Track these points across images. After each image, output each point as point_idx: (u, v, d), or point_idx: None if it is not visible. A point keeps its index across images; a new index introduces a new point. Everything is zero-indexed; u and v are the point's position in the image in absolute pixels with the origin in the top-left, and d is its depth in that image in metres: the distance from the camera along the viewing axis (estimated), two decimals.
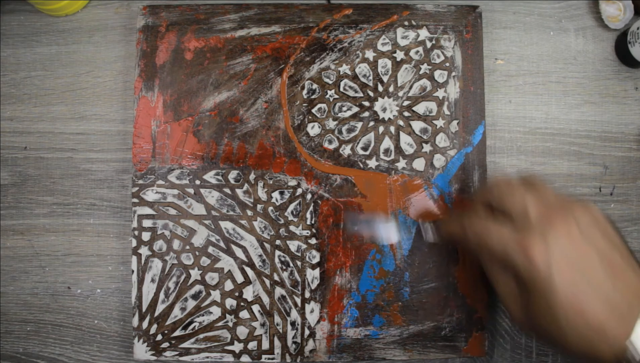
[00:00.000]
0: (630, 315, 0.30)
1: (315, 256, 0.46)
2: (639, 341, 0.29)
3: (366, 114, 0.47)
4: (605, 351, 0.30)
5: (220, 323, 0.45)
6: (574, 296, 0.30)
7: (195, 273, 0.45)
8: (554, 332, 0.31)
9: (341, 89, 0.47)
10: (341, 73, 0.47)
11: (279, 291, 0.45)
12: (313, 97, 0.47)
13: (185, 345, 0.44)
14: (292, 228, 0.46)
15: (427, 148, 0.47)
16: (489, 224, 0.34)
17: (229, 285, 0.45)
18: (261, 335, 0.45)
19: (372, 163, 0.46)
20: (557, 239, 0.31)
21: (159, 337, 0.45)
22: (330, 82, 0.47)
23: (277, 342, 0.45)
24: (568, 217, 0.31)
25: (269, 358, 0.45)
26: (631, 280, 0.31)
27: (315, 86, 0.47)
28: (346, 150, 0.46)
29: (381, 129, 0.47)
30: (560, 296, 0.30)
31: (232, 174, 0.46)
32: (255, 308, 0.45)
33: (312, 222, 0.46)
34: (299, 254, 0.45)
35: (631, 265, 0.32)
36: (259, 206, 0.46)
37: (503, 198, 0.34)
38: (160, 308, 0.45)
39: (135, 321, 0.45)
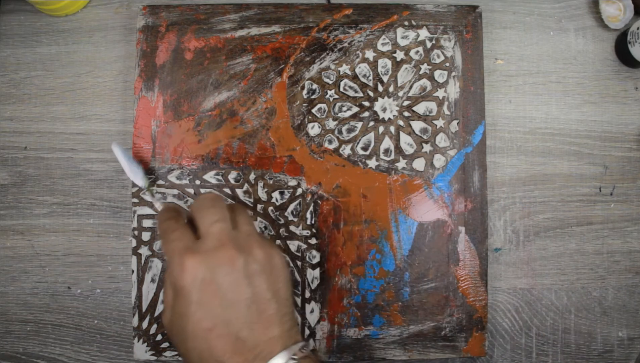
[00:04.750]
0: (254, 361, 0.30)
1: (315, 256, 0.46)
2: None
3: (366, 114, 0.47)
4: None
5: None
6: (203, 322, 0.30)
7: None
8: (181, 344, 0.31)
9: (341, 89, 0.47)
10: (341, 73, 0.47)
11: None
12: (313, 97, 0.47)
13: None
14: (292, 228, 0.46)
15: (427, 148, 0.47)
16: (177, 229, 0.33)
17: None
18: None
19: (372, 163, 0.46)
20: (215, 267, 0.30)
21: (159, 337, 0.45)
22: (330, 82, 0.47)
23: None
24: (239, 252, 0.31)
25: None
26: (273, 330, 0.31)
27: (315, 86, 0.47)
28: (346, 150, 0.46)
29: (381, 129, 0.47)
30: (190, 314, 0.30)
31: (232, 174, 0.46)
32: None
33: (312, 222, 0.46)
34: (299, 254, 0.45)
35: (282, 316, 0.32)
36: (259, 206, 0.46)
37: (199, 212, 0.33)
38: (160, 308, 0.45)
39: (135, 321, 0.45)
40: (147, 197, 0.45)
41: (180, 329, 0.31)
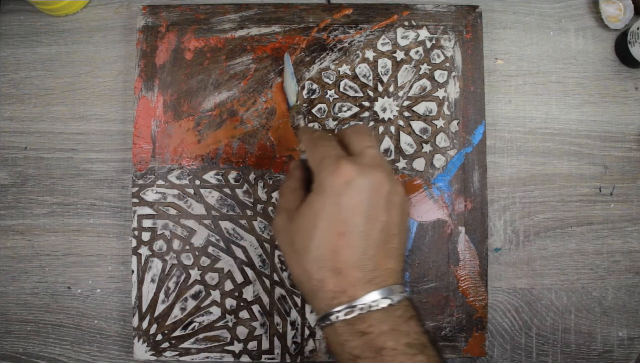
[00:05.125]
0: (363, 287, 0.30)
1: None
2: (347, 308, 0.30)
3: (366, 114, 0.47)
4: (320, 293, 0.31)
5: (220, 323, 0.45)
6: (338, 225, 0.30)
7: (195, 273, 0.45)
8: (300, 242, 0.31)
9: (341, 89, 0.47)
10: (341, 73, 0.47)
11: (278, 291, 0.45)
12: (313, 97, 0.47)
13: (185, 345, 0.44)
14: None
15: (427, 148, 0.47)
16: (330, 140, 0.34)
17: (228, 285, 0.45)
18: (261, 335, 0.45)
19: None
20: (368, 182, 0.31)
21: (159, 337, 0.45)
22: (330, 82, 0.47)
23: (277, 342, 0.45)
24: (389, 179, 0.32)
25: (269, 358, 0.45)
26: (390, 263, 0.32)
27: (315, 86, 0.47)
28: None
29: (381, 129, 0.47)
30: (327, 214, 0.31)
31: (232, 174, 0.46)
32: (255, 308, 0.45)
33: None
34: None
35: (399, 255, 0.33)
36: (258, 206, 0.46)
37: (355, 134, 0.34)
38: (160, 308, 0.45)
39: (135, 321, 0.45)
40: (292, 115, 0.45)
41: (309, 225, 0.31)
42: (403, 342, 0.29)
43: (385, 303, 0.30)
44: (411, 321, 0.31)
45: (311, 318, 0.45)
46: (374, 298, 0.30)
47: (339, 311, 0.30)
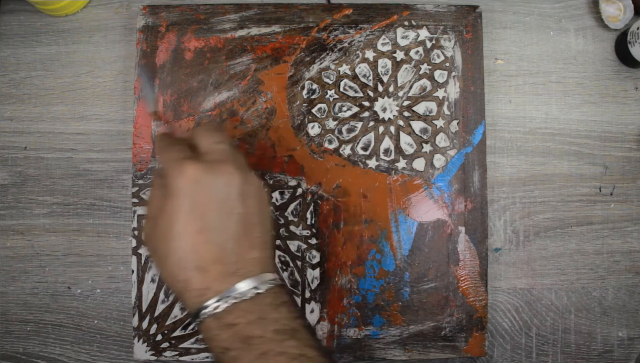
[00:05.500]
0: (227, 280, 0.30)
1: (315, 256, 0.46)
2: (214, 303, 0.30)
3: (366, 114, 0.47)
4: (186, 294, 0.31)
5: None
6: (194, 224, 0.31)
7: None
8: (161, 247, 0.31)
9: (341, 89, 0.47)
10: (341, 73, 0.47)
11: None
12: (313, 97, 0.47)
13: (185, 345, 0.44)
14: (292, 228, 0.46)
15: (427, 148, 0.47)
16: (177, 144, 0.34)
17: None
18: None
19: (372, 163, 0.46)
20: (216, 177, 0.31)
21: (159, 337, 0.45)
22: (330, 82, 0.47)
23: None
24: (240, 170, 0.32)
25: None
26: (254, 253, 0.32)
27: (315, 86, 0.47)
28: (346, 150, 0.46)
29: (381, 129, 0.47)
30: (182, 215, 0.31)
31: None
32: None
33: (312, 222, 0.46)
34: (299, 254, 0.45)
35: (263, 243, 0.33)
36: None
37: (202, 133, 0.34)
38: (160, 308, 0.45)
39: (135, 321, 0.45)
40: (152, 122, 0.45)
41: (166, 230, 0.31)
42: (271, 329, 0.30)
43: (252, 293, 0.30)
44: (281, 307, 0.31)
45: (311, 318, 0.45)
46: (239, 290, 0.30)
47: (206, 307, 0.30)
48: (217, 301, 0.30)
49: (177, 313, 0.45)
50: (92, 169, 0.48)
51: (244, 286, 0.30)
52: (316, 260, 0.45)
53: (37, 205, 0.48)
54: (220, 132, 0.34)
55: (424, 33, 0.47)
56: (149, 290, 0.45)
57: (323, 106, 0.47)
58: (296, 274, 0.45)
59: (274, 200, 0.46)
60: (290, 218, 0.46)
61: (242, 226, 0.32)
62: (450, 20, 0.48)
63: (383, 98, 0.47)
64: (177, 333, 0.45)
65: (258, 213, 0.33)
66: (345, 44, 0.47)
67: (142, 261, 0.45)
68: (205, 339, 0.31)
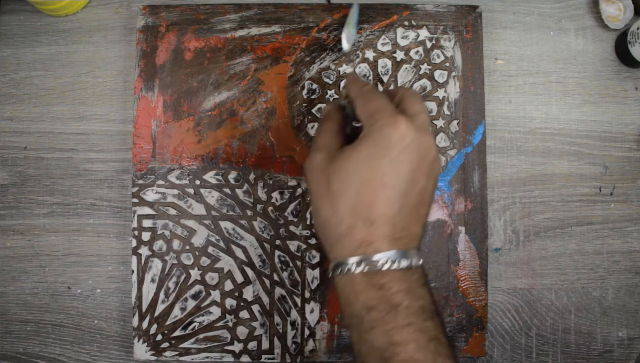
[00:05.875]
0: (390, 243, 0.30)
1: (315, 256, 0.46)
2: (374, 260, 0.30)
3: None
4: (346, 239, 0.31)
5: (220, 323, 0.45)
6: (383, 177, 0.31)
7: (195, 273, 0.45)
8: (338, 184, 0.31)
9: (341, 89, 0.47)
10: (341, 73, 0.47)
11: (278, 291, 0.45)
12: (313, 97, 0.47)
13: (185, 345, 0.44)
14: (292, 228, 0.46)
15: None
16: (382, 96, 0.34)
17: (229, 285, 0.45)
18: (261, 335, 0.45)
19: None
20: (420, 144, 0.31)
21: (159, 337, 0.45)
22: (330, 82, 0.47)
23: (277, 342, 0.45)
24: (436, 148, 0.32)
25: (269, 358, 0.45)
26: (417, 228, 0.32)
27: (315, 86, 0.47)
28: None
29: None
30: (375, 163, 0.30)
31: (232, 174, 0.46)
32: (255, 308, 0.45)
33: (312, 222, 0.46)
34: (299, 254, 0.45)
35: (425, 223, 0.33)
36: (258, 206, 0.46)
37: (411, 96, 0.34)
38: (160, 308, 0.45)
39: (135, 321, 0.45)
40: (345, 58, 0.46)
41: (352, 170, 0.31)
42: (418, 304, 0.30)
43: (405, 263, 0.30)
44: (425, 287, 0.31)
45: (311, 318, 0.45)
46: (397, 257, 0.30)
47: (361, 262, 0.30)
48: (374, 260, 0.30)
49: (177, 313, 0.45)
50: (92, 169, 0.48)
51: (400, 255, 0.30)
52: (316, 260, 0.45)
53: (37, 205, 0.48)
54: (424, 103, 0.34)
55: (424, 33, 0.47)
56: (149, 290, 0.45)
57: (323, 106, 0.47)
58: (296, 274, 0.45)
59: (273, 200, 0.46)
60: (290, 218, 0.46)
61: (419, 198, 0.32)
62: (450, 20, 0.48)
63: None
64: (177, 333, 0.45)
65: (432, 193, 0.33)
66: None
67: (142, 261, 0.45)
68: (344, 292, 0.31)
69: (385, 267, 0.30)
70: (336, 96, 0.47)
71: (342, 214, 0.31)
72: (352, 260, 0.30)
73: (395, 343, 0.29)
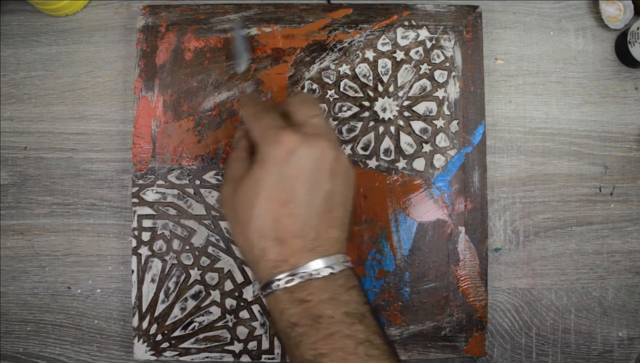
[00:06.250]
0: (305, 255, 0.30)
1: None
2: (288, 277, 0.30)
3: (366, 114, 0.47)
4: (261, 262, 0.31)
5: (220, 323, 0.45)
6: (280, 194, 0.30)
7: (195, 273, 0.45)
8: (242, 212, 0.31)
9: (341, 89, 0.47)
10: (341, 73, 0.47)
11: None
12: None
13: (185, 345, 0.44)
14: None
15: (427, 148, 0.47)
16: (271, 112, 0.34)
17: (228, 285, 0.45)
18: (261, 335, 0.45)
19: (372, 163, 0.46)
20: (311, 151, 0.31)
21: (159, 337, 0.45)
22: (330, 82, 0.47)
23: (277, 342, 0.45)
24: (333, 148, 0.32)
25: (269, 358, 0.45)
26: (334, 232, 0.32)
27: (315, 86, 0.47)
28: (346, 150, 0.46)
29: (381, 129, 0.47)
30: (270, 184, 0.30)
31: None
32: (255, 308, 0.45)
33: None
34: None
35: (343, 224, 0.33)
36: None
37: (299, 104, 0.34)
38: (160, 308, 0.45)
39: (135, 321, 0.45)
40: (241, 81, 0.45)
41: (251, 196, 0.31)
42: (341, 311, 0.30)
43: (326, 272, 0.30)
44: (352, 291, 0.31)
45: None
46: (315, 267, 0.30)
47: (279, 279, 0.30)
48: (292, 275, 0.30)
49: (177, 313, 0.45)
50: (92, 169, 0.48)
51: (319, 264, 0.30)
52: None
53: (37, 205, 0.48)
54: (316, 105, 0.34)
55: (424, 33, 0.47)
56: (149, 290, 0.45)
57: (323, 106, 0.47)
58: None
59: None
60: None
61: (327, 203, 0.32)
62: (450, 20, 0.48)
63: (383, 98, 0.47)
64: (177, 333, 0.45)
65: (343, 193, 0.33)
66: (345, 44, 0.47)
67: (142, 261, 0.45)
68: (272, 311, 0.31)
69: (304, 280, 0.30)
70: (336, 96, 0.47)
71: (252, 239, 0.31)
72: (272, 280, 0.30)
73: (322, 355, 0.29)
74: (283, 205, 0.31)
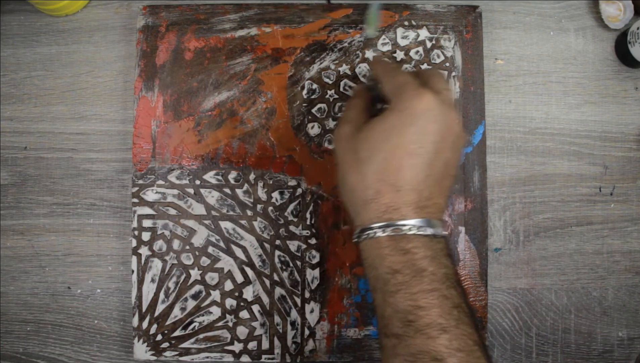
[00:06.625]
0: (416, 210, 0.31)
1: (315, 256, 0.46)
2: (401, 225, 0.31)
3: None
4: (373, 205, 0.32)
5: (220, 323, 0.45)
6: (409, 145, 0.31)
7: (195, 273, 0.45)
8: (366, 151, 0.32)
9: (341, 89, 0.47)
10: (341, 73, 0.47)
11: (278, 291, 0.45)
12: (313, 97, 0.47)
13: (185, 345, 0.44)
14: (292, 228, 0.46)
15: None
16: (405, 73, 0.35)
17: (229, 285, 0.45)
18: (261, 335, 0.45)
19: None
20: (445, 117, 0.32)
21: (159, 337, 0.45)
22: (330, 82, 0.47)
23: (277, 342, 0.45)
24: (460, 123, 0.33)
25: (269, 358, 0.45)
26: (441, 199, 0.33)
27: (315, 86, 0.47)
28: None
29: None
30: (402, 132, 0.31)
31: (232, 174, 0.46)
32: (255, 308, 0.45)
33: (312, 222, 0.46)
34: (299, 254, 0.45)
35: (448, 196, 0.34)
36: (258, 206, 0.46)
37: (434, 74, 0.35)
38: (160, 308, 0.45)
39: (135, 321, 0.45)
40: (368, 38, 0.45)
41: (379, 139, 0.32)
42: (442, 272, 0.30)
43: (430, 231, 0.31)
44: (449, 257, 0.32)
45: (311, 318, 0.45)
46: (422, 224, 0.31)
47: (387, 226, 0.31)
48: (399, 225, 0.31)
49: (177, 313, 0.45)
50: (92, 169, 0.48)
51: (425, 223, 0.31)
52: (316, 260, 0.45)
53: (37, 205, 0.48)
54: (448, 82, 0.36)
55: (424, 33, 0.47)
56: (149, 290, 0.45)
57: (323, 106, 0.47)
58: (296, 274, 0.45)
59: (273, 200, 0.46)
60: (290, 218, 0.46)
61: (444, 170, 0.33)
62: (450, 20, 0.48)
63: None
64: (177, 333, 0.45)
65: (456, 167, 0.34)
66: (345, 44, 0.47)
67: (142, 261, 0.45)
68: (369, 256, 0.32)
69: (411, 233, 0.31)
70: (336, 96, 0.47)
71: (369, 181, 0.32)
72: (379, 225, 0.31)
73: (419, 307, 0.29)
74: (409, 155, 0.31)
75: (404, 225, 0.31)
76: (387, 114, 0.33)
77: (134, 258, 0.45)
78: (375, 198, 0.32)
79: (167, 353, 0.44)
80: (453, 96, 0.34)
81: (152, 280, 0.45)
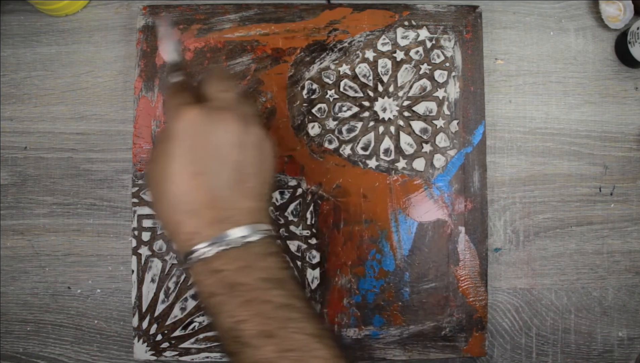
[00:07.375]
0: (217, 227, 0.31)
1: (315, 256, 0.46)
2: (203, 248, 0.30)
3: (366, 114, 0.47)
4: (177, 237, 0.31)
5: None
6: (189, 167, 0.31)
7: None
8: (157, 187, 0.32)
9: (341, 89, 0.47)
10: (341, 73, 0.47)
11: None
12: (313, 97, 0.47)
13: (185, 345, 0.44)
14: (292, 228, 0.46)
15: (427, 148, 0.47)
16: (183, 92, 0.34)
17: None
18: None
19: (372, 163, 0.46)
20: (215, 124, 0.31)
21: (159, 337, 0.45)
22: (330, 82, 0.47)
23: None
24: (238, 120, 0.32)
25: None
26: (248, 202, 0.32)
27: (315, 86, 0.47)
28: (346, 150, 0.46)
29: (381, 129, 0.47)
30: (178, 157, 0.31)
31: None
32: None
33: (312, 222, 0.46)
34: (299, 254, 0.45)
35: (258, 195, 0.33)
36: None
37: (210, 80, 0.34)
38: (160, 308, 0.45)
39: (135, 321, 0.45)
40: (169, 74, 0.43)
41: (162, 171, 0.31)
42: (257, 277, 0.30)
43: (240, 241, 0.30)
44: (270, 257, 0.31)
45: None
46: (229, 237, 0.30)
47: (195, 252, 0.30)
48: (206, 246, 0.30)
49: (177, 313, 0.45)
50: (92, 169, 0.48)
51: (233, 233, 0.30)
52: (316, 260, 0.45)
53: (37, 205, 0.48)
54: (228, 81, 0.34)
55: (424, 33, 0.47)
56: (149, 290, 0.45)
57: (323, 106, 0.47)
58: (296, 274, 0.45)
59: (274, 200, 0.46)
60: (290, 218, 0.46)
61: (237, 174, 0.32)
62: (450, 20, 0.48)
63: (383, 98, 0.47)
64: (177, 333, 0.45)
65: (255, 164, 0.33)
66: (345, 44, 0.47)
67: (142, 261, 0.45)
68: (193, 283, 0.32)
69: (219, 250, 0.30)
70: (336, 96, 0.47)
71: (167, 213, 0.31)
72: (189, 252, 0.31)
73: (240, 322, 0.29)
74: (192, 177, 0.31)
75: (205, 247, 0.30)
76: (161, 145, 0.32)
77: (134, 258, 0.45)
78: (177, 228, 0.31)
79: (167, 353, 0.44)
80: (231, 93, 0.33)
81: (152, 280, 0.45)
